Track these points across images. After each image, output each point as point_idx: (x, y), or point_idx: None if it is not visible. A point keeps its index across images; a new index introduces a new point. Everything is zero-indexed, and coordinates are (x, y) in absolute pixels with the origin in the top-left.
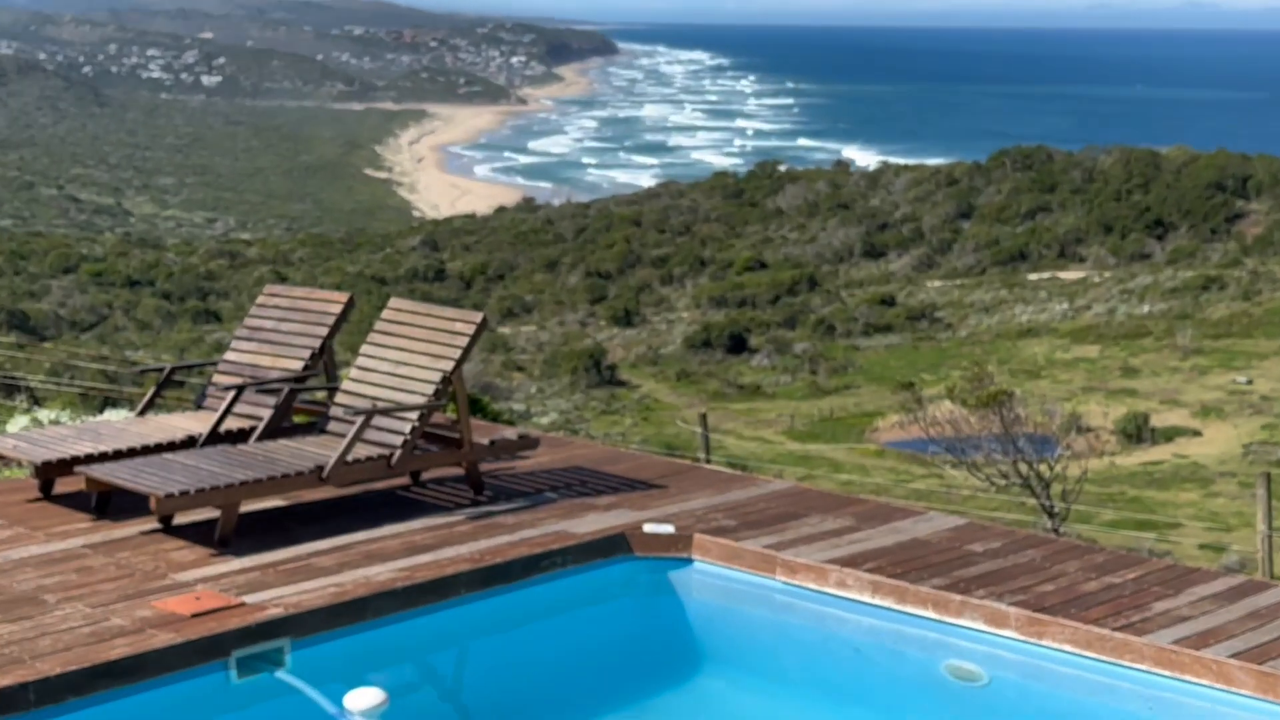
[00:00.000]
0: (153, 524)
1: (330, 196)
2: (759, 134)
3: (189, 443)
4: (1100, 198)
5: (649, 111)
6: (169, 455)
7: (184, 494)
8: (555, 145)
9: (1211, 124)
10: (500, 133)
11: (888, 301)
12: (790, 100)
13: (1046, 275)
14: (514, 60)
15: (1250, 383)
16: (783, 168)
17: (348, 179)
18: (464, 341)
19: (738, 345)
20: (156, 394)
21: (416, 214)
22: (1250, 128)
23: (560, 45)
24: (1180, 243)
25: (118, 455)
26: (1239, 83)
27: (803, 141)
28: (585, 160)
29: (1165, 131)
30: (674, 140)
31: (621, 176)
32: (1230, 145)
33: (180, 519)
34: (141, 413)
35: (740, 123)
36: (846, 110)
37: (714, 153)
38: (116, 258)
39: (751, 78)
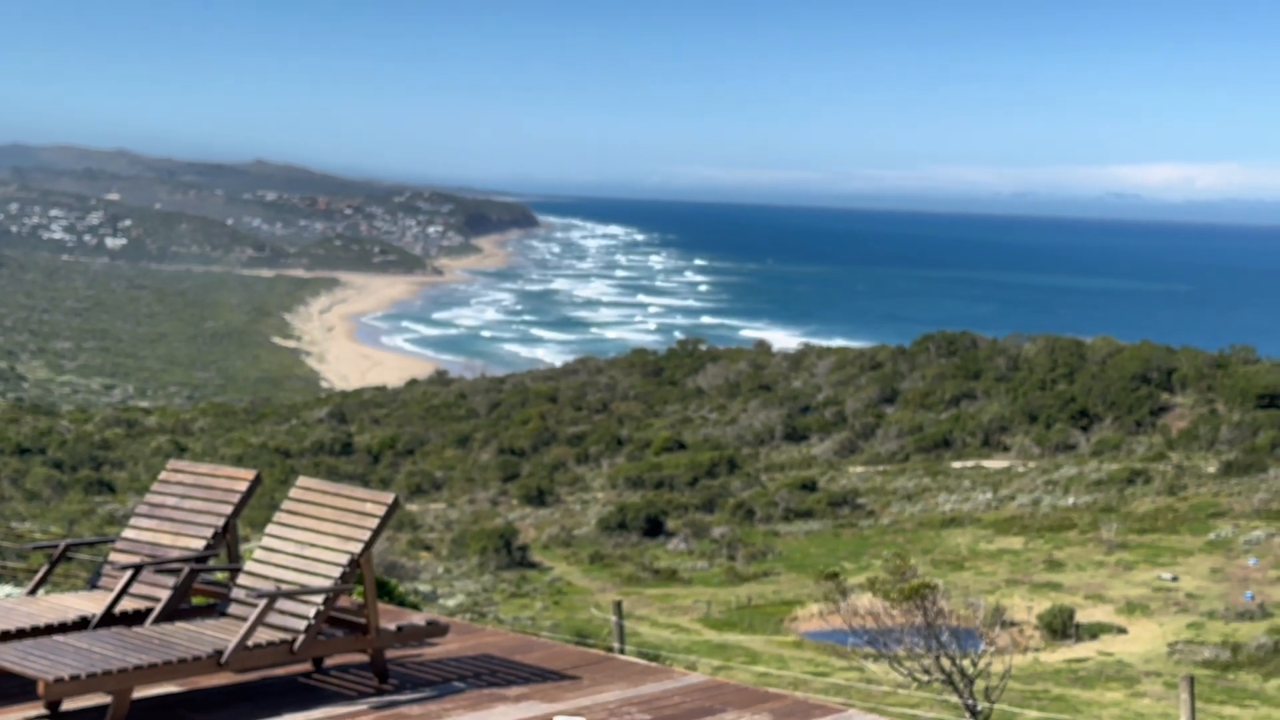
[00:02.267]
0: (40, 710)
1: (235, 365)
2: (675, 310)
3: (81, 624)
4: (1025, 386)
5: (566, 285)
6: (60, 637)
7: (74, 678)
8: (470, 317)
9: (1135, 314)
10: (414, 303)
11: (809, 486)
12: (706, 278)
13: (970, 463)
14: (431, 230)
15: (1175, 579)
16: (703, 347)
17: (254, 347)
18: (374, 523)
19: (654, 528)
20: (49, 571)
21: (325, 384)
22: (1173, 320)
23: (479, 216)
24: (1105, 434)
25: (5, 636)
26: (1161, 274)
27: (719, 320)
28: (500, 333)
29: (1089, 320)
30: (591, 315)
31: (538, 351)
32: (1154, 336)
33: (70, 705)
34: (32, 591)
35: (658, 299)
36: (765, 289)
37: (630, 329)
38: (7, 424)
39: (667, 254)
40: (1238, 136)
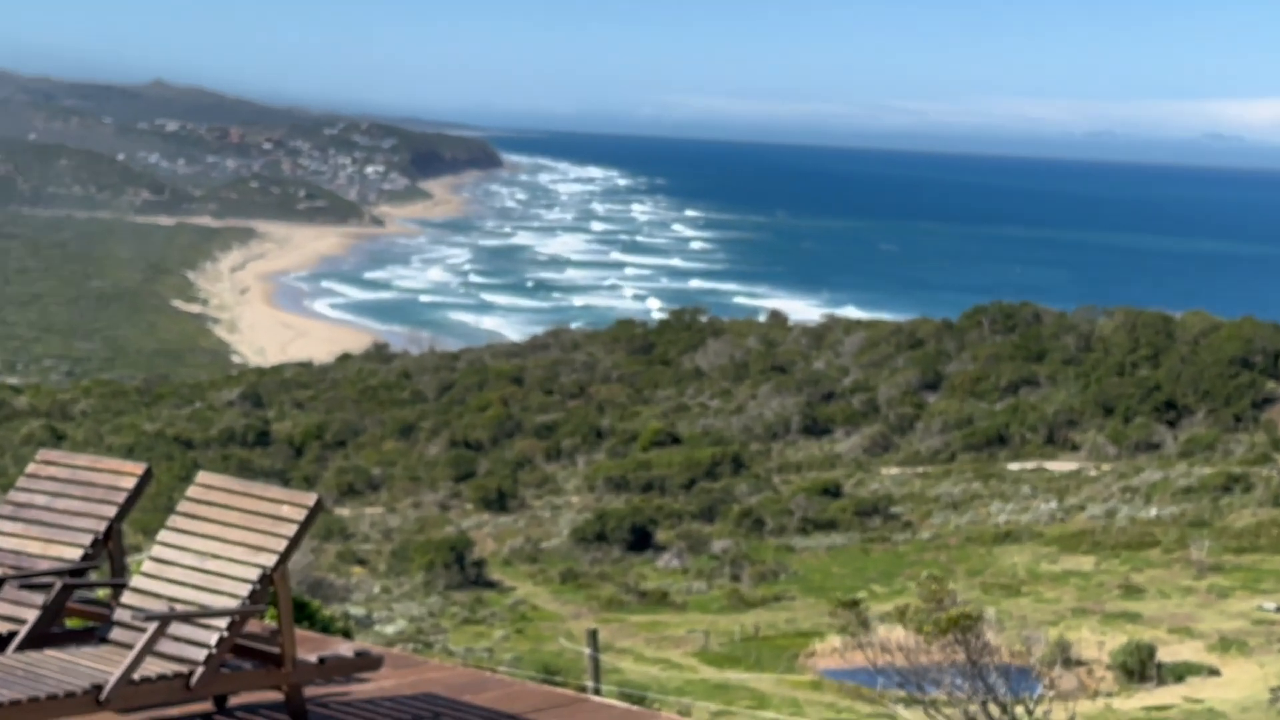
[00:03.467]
0: None
1: (127, 334)
2: (667, 272)
3: None
4: (1099, 371)
5: (534, 240)
6: None
7: None
8: (416, 278)
9: (1236, 284)
10: (348, 260)
11: (832, 491)
12: (704, 233)
13: (1030, 465)
14: (369, 170)
15: None
16: (704, 318)
17: (150, 312)
18: (291, 530)
19: (641, 541)
20: None
21: (237, 359)
22: None
23: (428, 153)
24: (1196, 431)
25: None
26: (1269, 234)
27: (721, 285)
28: (453, 298)
29: (1179, 291)
30: (566, 277)
31: (498, 321)
32: (1259, 312)
33: None
34: None
35: (645, 259)
36: (781, 248)
37: (612, 295)
38: None
39: (656, 203)
40: None
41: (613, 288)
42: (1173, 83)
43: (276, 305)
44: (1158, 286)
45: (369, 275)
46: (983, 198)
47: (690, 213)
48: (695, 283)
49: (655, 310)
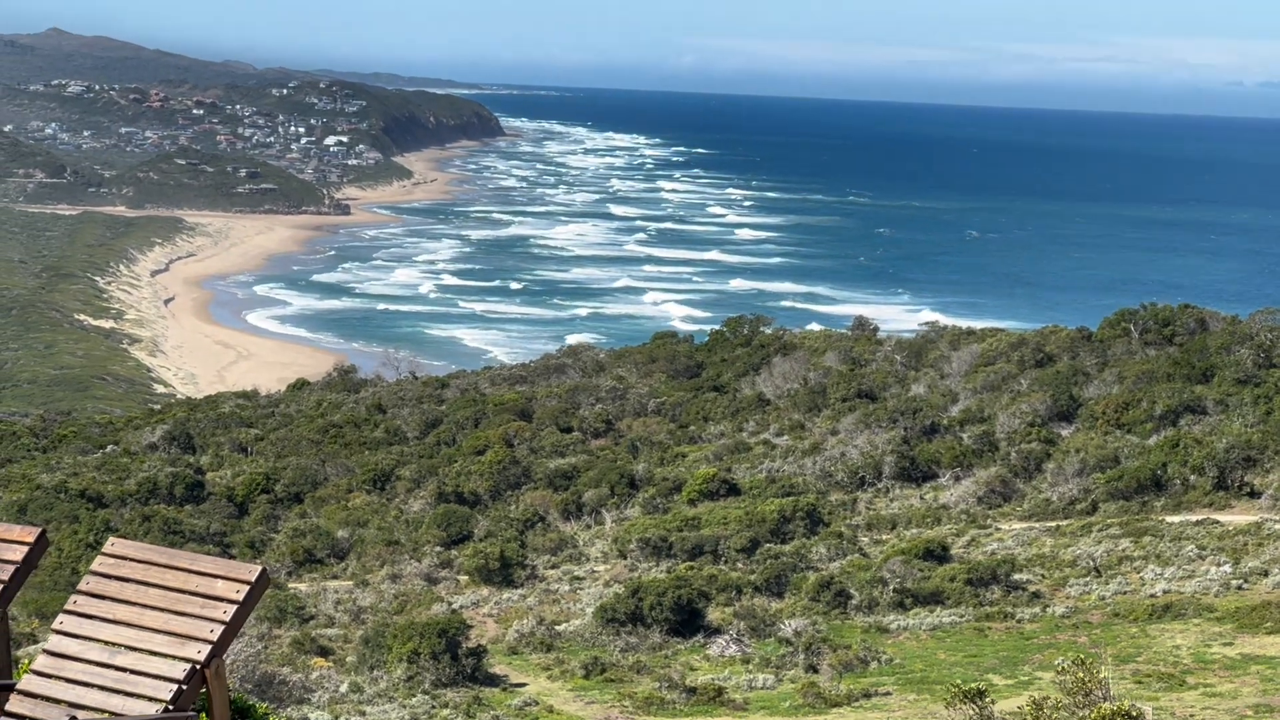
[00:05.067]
0: None
1: (17, 358)
2: (722, 270)
3: None
4: None
5: (540, 230)
6: None
7: None
8: (390, 281)
9: None
10: (303, 259)
11: (936, 554)
12: (760, 217)
13: (1197, 517)
14: (331, 142)
15: None
16: (767, 329)
17: (48, 329)
18: (228, 612)
19: (688, 621)
20: None
21: (161, 389)
22: None
23: (407, 120)
24: None
25: None
26: None
27: (774, 284)
28: (437, 307)
29: None
30: (583, 276)
31: (494, 335)
32: None
33: None
34: None
35: (686, 252)
36: (866, 237)
37: (648, 300)
38: None
39: (702, 178)
40: None
41: (631, 291)
42: None
43: (211, 318)
44: None
45: (330, 278)
46: (1125, 168)
47: (735, 192)
48: (737, 282)
49: (676, 319)
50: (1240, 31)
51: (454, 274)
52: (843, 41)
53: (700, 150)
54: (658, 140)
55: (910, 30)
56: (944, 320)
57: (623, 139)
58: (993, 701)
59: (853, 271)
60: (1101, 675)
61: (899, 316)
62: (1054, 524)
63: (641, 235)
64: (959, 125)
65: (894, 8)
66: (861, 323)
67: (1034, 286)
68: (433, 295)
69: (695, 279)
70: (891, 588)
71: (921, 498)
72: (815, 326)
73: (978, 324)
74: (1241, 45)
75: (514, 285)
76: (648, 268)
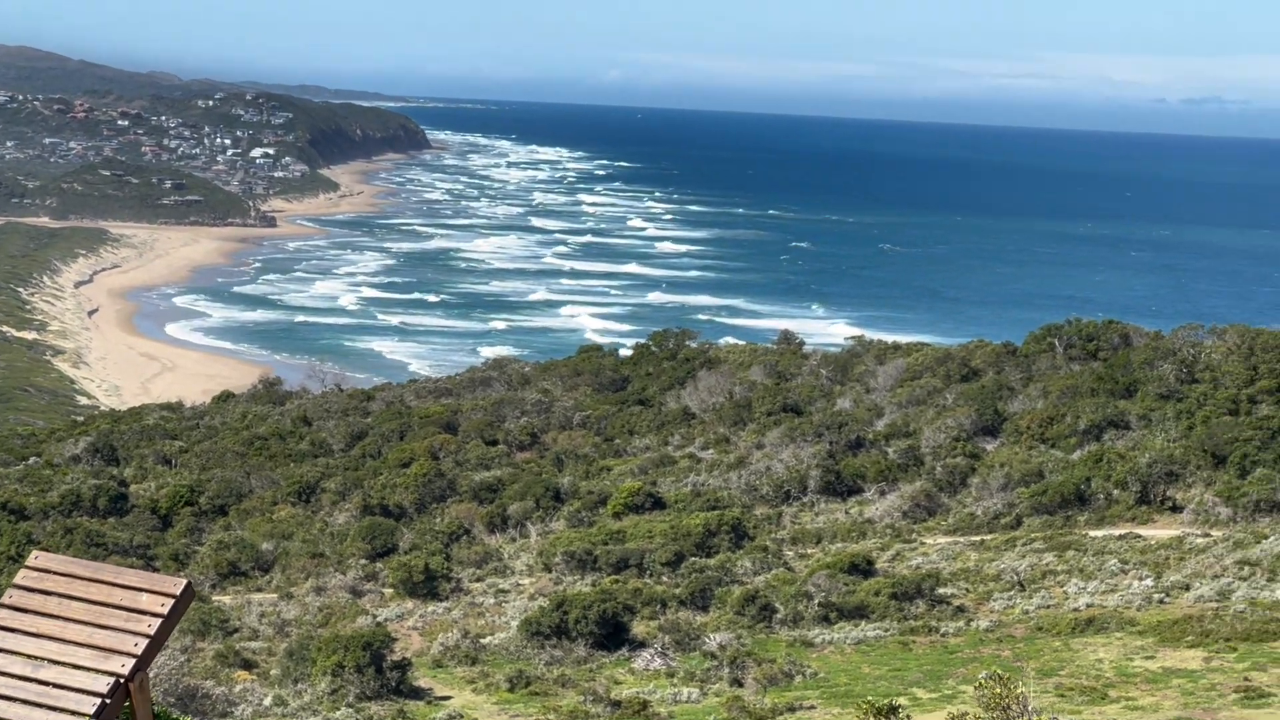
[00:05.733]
0: None
1: None
2: (640, 283)
3: None
4: (1206, 408)
5: (465, 243)
6: None
7: None
8: (316, 293)
9: None
10: (228, 270)
11: (862, 568)
12: (682, 230)
13: (1120, 531)
14: (257, 154)
15: None
16: (692, 343)
17: None
18: (152, 626)
19: (613, 635)
20: None
21: (84, 401)
22: None
23: (334, 132)
24: None
25: None
26: None
27: (709, 299)
28: (359, 319)
29: None
30: (503, 289)
31: (418, 348)
32: None
33: None
34: None
35: (610, 265)
36: (785, 250)
37: (565, 313)
38: None
39: (624, 191)
40: None
41: (549, 304)
42: None
43: (135, 330)
44: None
45: (254, 290)
46: (1049, 184)
47: (657, 205)
48: (655, 295)
49: (590, 331)
50: (1164, 49)
51: (375, 286)
52: (771, 56)
53: (624, 164)
54: (581, 154)
55: (838, 46)
56: (859, 333)
57: (547, 152)
58: (908, 716)
59: (770, 285)
60: (1020, 690)
61: (815, 330)
62: (978, 538)
63: (562, 248)
64: (885, 140)
65: (822, 24)
66: (787, 337)
67: (954, 301)
68: (353, 307)
69: (613, 292)
70: (816, 602)
71: (847, 512)
72: (730, 340)
73: (899, 338)
74: (1166, 63)
75: (432, 298)
76: (565, 281)
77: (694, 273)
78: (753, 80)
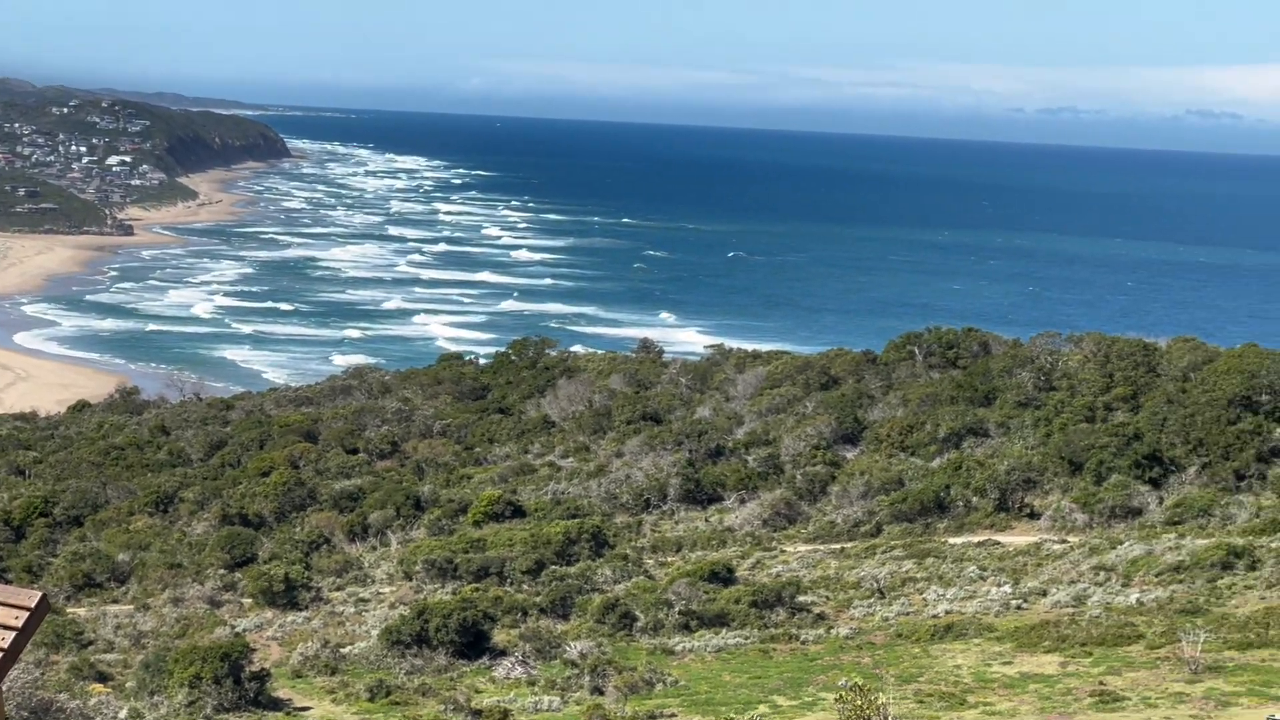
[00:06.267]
0: None
1: None
2: (493, 291)
3: None
4: (1064, 416)
5: (323, 251)
6: None
7: None
8: (173, 302)
9: (1236, 303)
10: (84, 278)
11: (722, 576)
12: (537, 240)
13: (979, 539)
14: (114, 161)
15: None
16: (552, 351)
17: None
18: (5, 639)
19: (474, 643)
20: None
21: None
22: None
23: (192, 140)
24: (1188, 491)
25: None
26: (1277, 239)
27: (561, 306)
28: (213, 327)
29: (1164, 314)
30: (357, 297)
31: (276, 356)
32: (1264, 338)
33: None
34: None
35: (463, 274)
36: (637, 258)
37: (418, 321)
38: None
39: (480, 199)
40: None
41: (402, 312)
42: (1150, 46)
43: None
44: (1137, 307)
45: (108, 299)
46: (904, 192)
47: (513, 214)
48: (508, 304)
49: (443, 339)
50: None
51: (231, 295)
52: (630, 63)
53: (481, 172)
54: (440, 162)
55: (697, 53)
56: (717, 342)
57: (406, 161)
58: None
59: (622, 293)
60: (880, 700)
61: (664, 337)
62: (839, 546)
63: (416, 256)
64: (743, 148)
65: (680, 30)
66: (646, 345)
67: (809, 310)
68: (207, 316)
69: (466, 300)
70: (677, 610)
71: (707, 520)
72: (580, 348)
73: (758, 346)
74: (1023, 72)
75: (285, 307)
76: (420, 289)
77: (548, 281)
78: (613, 88)
